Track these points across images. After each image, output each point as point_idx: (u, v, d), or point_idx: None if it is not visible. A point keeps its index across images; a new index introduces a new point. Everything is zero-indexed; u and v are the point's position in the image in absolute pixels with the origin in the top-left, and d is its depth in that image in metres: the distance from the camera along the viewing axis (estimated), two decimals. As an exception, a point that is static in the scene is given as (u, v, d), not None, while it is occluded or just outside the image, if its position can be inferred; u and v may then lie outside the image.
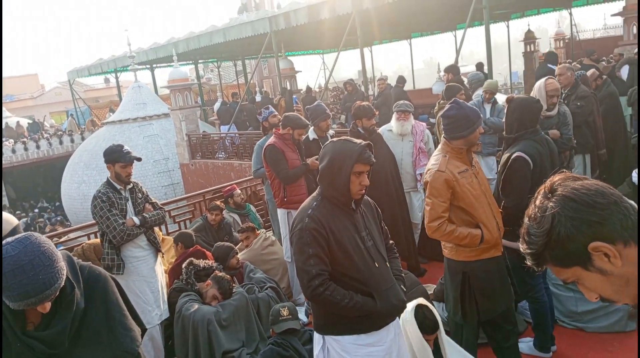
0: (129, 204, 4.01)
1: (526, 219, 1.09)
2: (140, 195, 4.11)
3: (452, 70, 7.83)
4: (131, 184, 4.05)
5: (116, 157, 3.89)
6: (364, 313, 2.37)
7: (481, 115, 3.38)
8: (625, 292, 1.00)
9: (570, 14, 19.98)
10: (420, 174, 5.14)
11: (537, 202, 1.07)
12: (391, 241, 2.78)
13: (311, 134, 5.25)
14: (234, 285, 4.18)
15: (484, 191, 3.11)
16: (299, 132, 4.94)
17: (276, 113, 6.04)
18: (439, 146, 3.18)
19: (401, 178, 5.24)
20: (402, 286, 2.59)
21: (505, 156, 3.46)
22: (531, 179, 3.28)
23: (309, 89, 16.30)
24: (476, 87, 6.88)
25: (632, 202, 1.00)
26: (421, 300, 3.07)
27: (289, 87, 15.99)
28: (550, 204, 1.03)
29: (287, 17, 12.76)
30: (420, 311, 2.98)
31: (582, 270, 1.01)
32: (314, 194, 2.55)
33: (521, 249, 1.09)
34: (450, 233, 3.00)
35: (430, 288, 4.61)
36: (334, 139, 2.55)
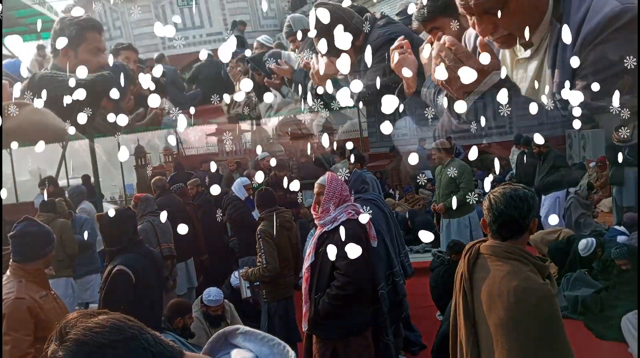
0: None
1: None
2: None
3: (52, 182, 7.82)
4: None
5: None
6: None
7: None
8: None
9: (176, 132, 22.06)
10: None
11: (49, 352, 0.84)
12: None
13: None
14: None
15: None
16: None
17: None
18: (7, 273, 2.68)
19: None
20: None
21: (107, 269, 3.28)
22: (134, 294, 3.16)
23: None
24: (78, 201, 6.59)
25: (155, 332, 0.89)
26: None
27: None
28: (60, 353, 0.82)
29: None
30: None
31: None
32: None
33: None
34: None
35: None
36: None
